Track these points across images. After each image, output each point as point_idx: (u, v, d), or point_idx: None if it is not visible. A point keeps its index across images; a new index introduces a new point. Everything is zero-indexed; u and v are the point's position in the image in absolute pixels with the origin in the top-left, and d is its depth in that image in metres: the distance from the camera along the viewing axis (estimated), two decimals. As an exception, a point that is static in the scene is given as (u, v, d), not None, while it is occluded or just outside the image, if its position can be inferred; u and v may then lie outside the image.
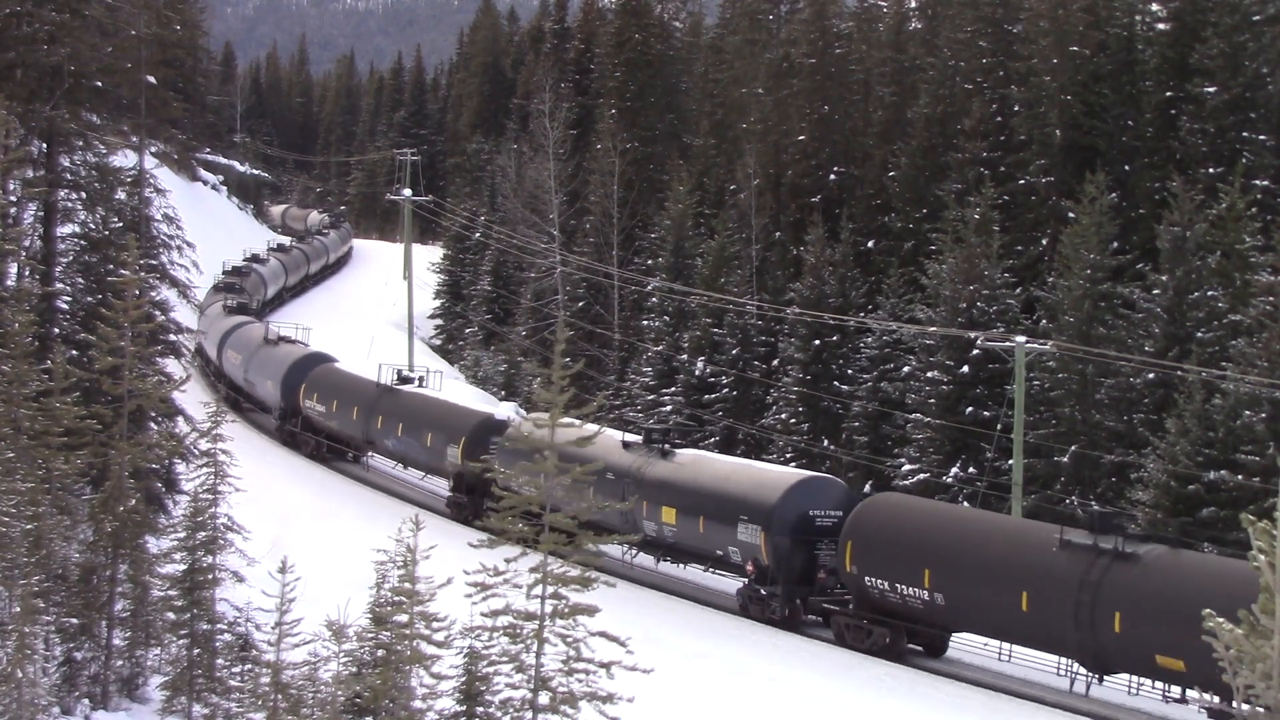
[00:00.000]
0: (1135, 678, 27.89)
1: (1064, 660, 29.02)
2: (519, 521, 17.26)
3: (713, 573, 35.96)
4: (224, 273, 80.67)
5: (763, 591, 33.43)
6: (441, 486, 46.32)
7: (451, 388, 55.96)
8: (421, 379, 50.24)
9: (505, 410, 47.64)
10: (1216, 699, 25.82)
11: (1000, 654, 30.81)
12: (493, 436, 42.02)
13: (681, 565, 36.89)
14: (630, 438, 38.40)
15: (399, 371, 50.49)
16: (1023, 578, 28.73)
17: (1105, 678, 28.40)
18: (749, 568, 33.61)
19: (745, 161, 65.74)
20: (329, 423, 51.27)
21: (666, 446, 37.28)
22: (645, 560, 37.62)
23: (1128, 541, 27.96)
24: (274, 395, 54.72)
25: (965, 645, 31.82)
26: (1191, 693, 26.62)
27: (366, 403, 48.71)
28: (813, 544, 33.04)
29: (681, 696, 25.48)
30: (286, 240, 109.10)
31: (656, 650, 22.47)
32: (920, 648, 31.96)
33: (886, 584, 31.08)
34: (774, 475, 34.93)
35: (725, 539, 33.79)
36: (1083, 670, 28.54)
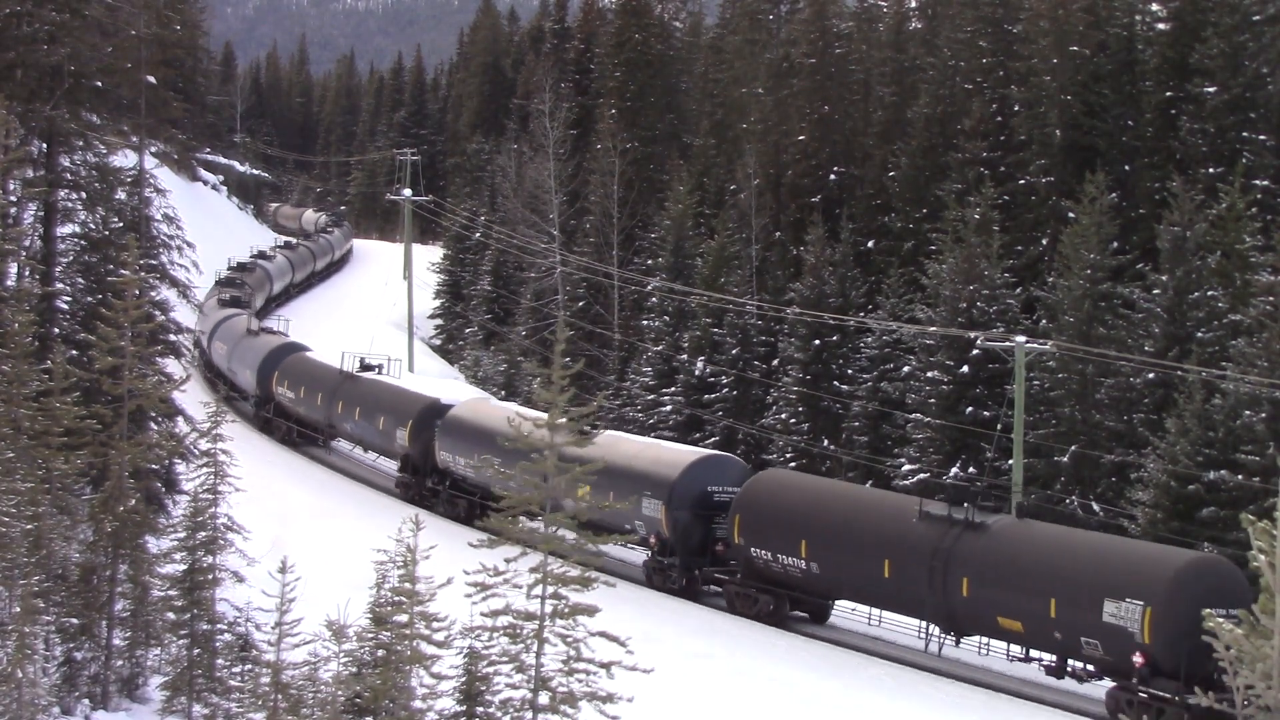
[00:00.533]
0: (985, 639, 30.30)
1: (924, 623, 30.92)
2: (518, 521, 17.27)
3: (626, 546, 36.97)
4: (229, 269, 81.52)
5: (665, 562, 35.39)
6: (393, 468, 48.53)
7: (429, 371, 58.02)
8: (381, 366, 51.73)
9: (460, 392, 48.93)
10: (1053, 658, 28.41)
11: (870, 619, 33.17)
12: (437, 420, 43.82)
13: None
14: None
15: (362, 359, 51.99)
16: (885, 547, 30.96)
17: (960, 640, 30.62)
18: (652, 540, 35.24)
19: (745, 161, 65.75)
20: (297, 408, 53.47)
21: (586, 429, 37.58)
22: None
23: (979, 512, 30.03)
24: (251, 383, 57.18)
25: (841, 611, 34.09)
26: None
27: (329, 389, 50.74)
28: (710, 518, 35.06)
29: (681, 696, 25.47)
30: (286, 240, 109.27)
31: (656, 650, 22.47)
32: (806, 614, 34.14)
33: (770, 554, 33.29)
34: (675, 454, 36.94)
35: (631, 513, 34.80)
36: (938, 631, 30.63)
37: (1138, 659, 26.20)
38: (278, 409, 55.23)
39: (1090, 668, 28.02)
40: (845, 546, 31.97)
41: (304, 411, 52.96)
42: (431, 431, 43.83)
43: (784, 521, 33.09)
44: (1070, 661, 28.40)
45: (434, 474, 44.27)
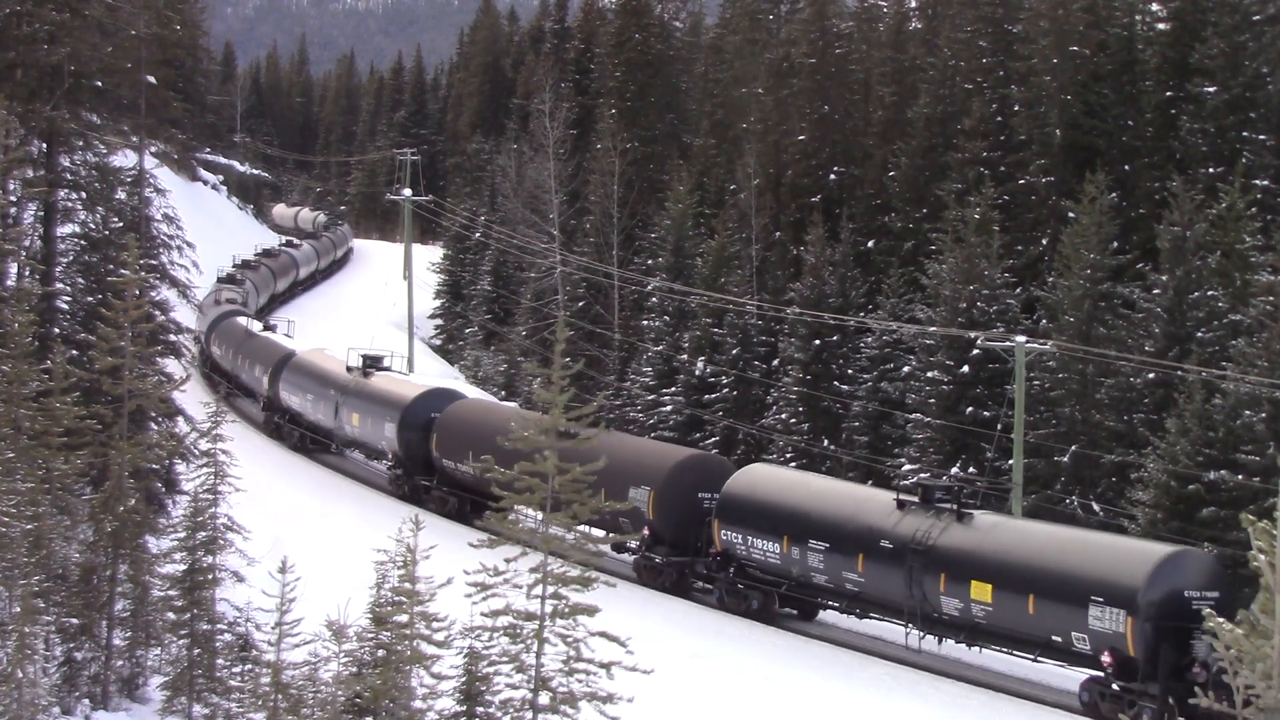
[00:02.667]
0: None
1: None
2: (519, 521, 17.27)
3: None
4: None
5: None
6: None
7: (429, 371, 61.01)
8: (382, 359, 51.90)
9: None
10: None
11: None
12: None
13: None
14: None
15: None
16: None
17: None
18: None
19: (745, 161, 65.72)
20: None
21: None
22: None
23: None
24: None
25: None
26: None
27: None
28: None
29: (681, 696, 25.47)
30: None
31: (656, 650, 22.46)
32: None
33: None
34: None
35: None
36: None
37: None
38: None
39: None
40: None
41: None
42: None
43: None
44: None
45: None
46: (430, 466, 44.54)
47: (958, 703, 28.04)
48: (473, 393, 50.14)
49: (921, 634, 31.10)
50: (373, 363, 50.23)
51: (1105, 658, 27.13)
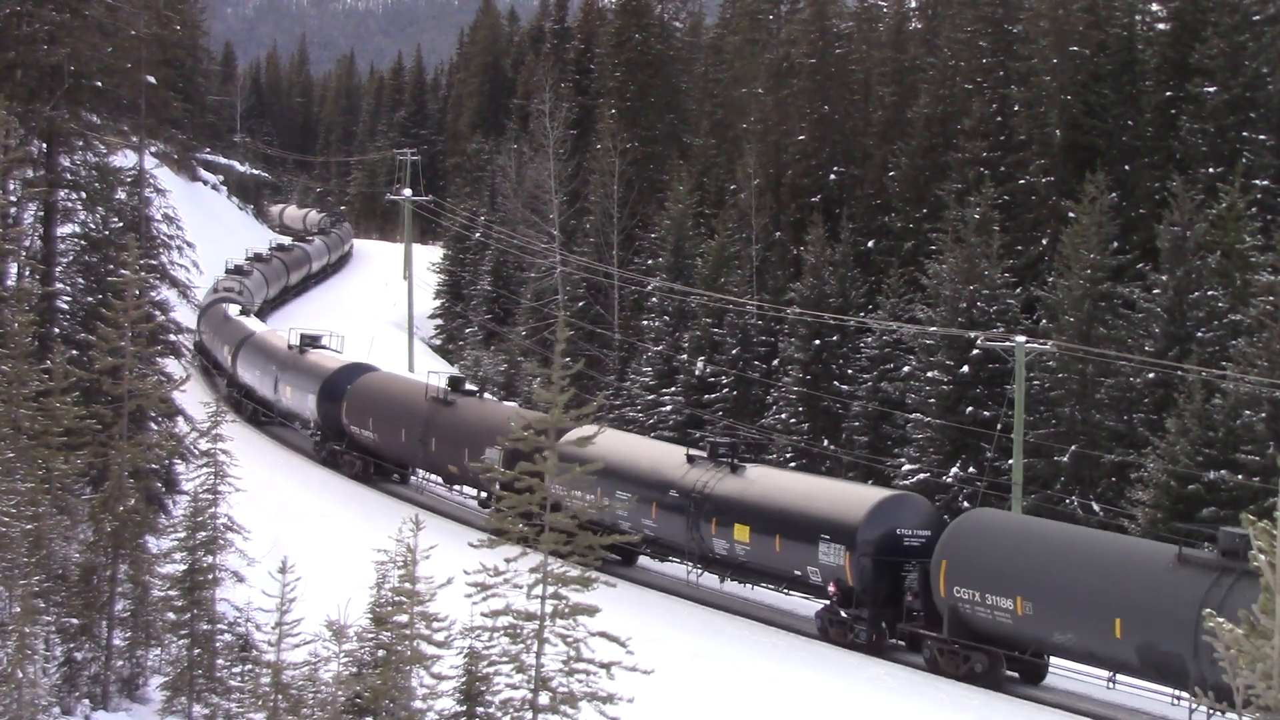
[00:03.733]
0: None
1: None
2: (519, 521, 17.26)
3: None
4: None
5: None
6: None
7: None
8: (320, 338, 55.39)
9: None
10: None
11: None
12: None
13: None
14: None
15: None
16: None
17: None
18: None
19: (745, 161, 65.73)
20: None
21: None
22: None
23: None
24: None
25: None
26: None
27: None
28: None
29: (682, 697, 25.47)
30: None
31: (657, 650, 22.46)
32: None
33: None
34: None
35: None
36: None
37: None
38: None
39: None
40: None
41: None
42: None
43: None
44: None
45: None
46: (342, 433, 48.69)
47: (957, 702, 28.04)
48: (386, 369, 54.00)
49: (700, 571, 35.29)
50: (310, 341, 54.04)
51: (831, 588, 31.51)
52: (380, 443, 47.01)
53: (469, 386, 46.65)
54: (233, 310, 65.70)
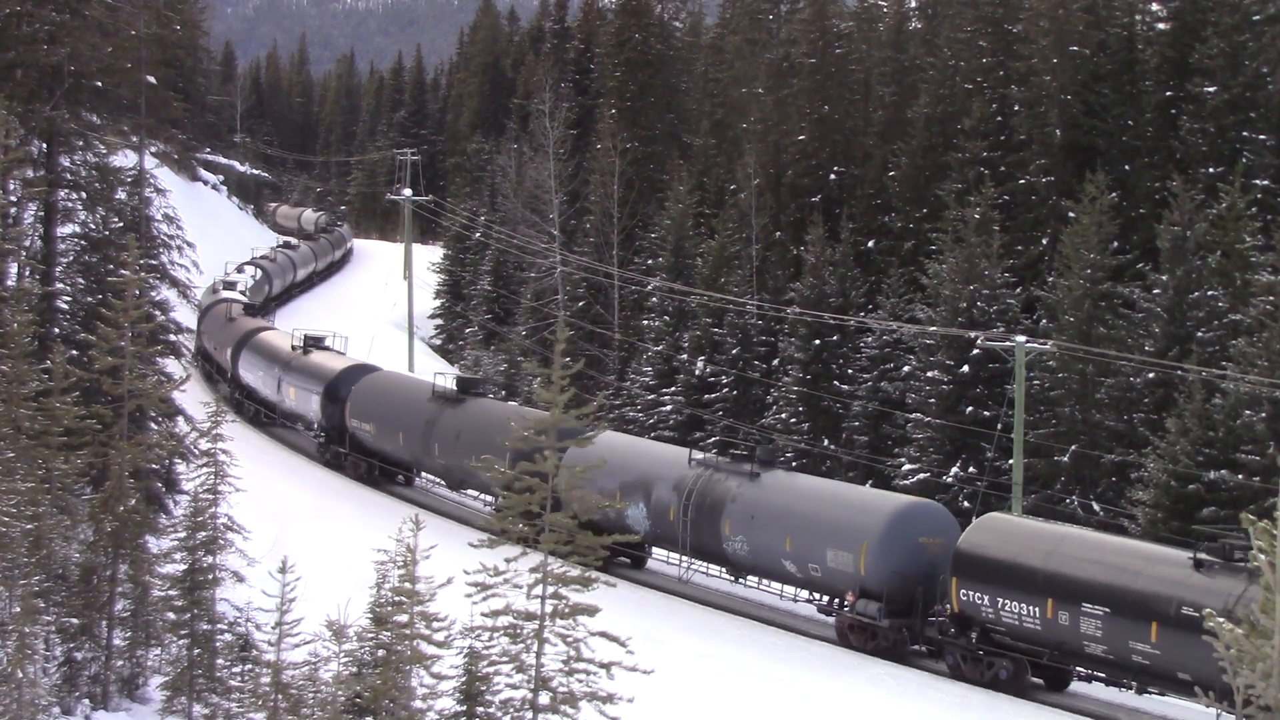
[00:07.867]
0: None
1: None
2: (519, 521, 17.26)
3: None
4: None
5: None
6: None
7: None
8: (323, 339, 55.42)
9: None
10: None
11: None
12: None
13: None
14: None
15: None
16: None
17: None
18: (849, 596, 34.38)
19: (745, 161, 65.73)
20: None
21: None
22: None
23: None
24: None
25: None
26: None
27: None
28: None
29: (682, 697, 25.47)
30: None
31: (657, 650, 22.47)
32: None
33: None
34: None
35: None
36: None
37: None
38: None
39: None
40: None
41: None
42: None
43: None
44: None
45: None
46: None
47: (958, 703, 28.05)
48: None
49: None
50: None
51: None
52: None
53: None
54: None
